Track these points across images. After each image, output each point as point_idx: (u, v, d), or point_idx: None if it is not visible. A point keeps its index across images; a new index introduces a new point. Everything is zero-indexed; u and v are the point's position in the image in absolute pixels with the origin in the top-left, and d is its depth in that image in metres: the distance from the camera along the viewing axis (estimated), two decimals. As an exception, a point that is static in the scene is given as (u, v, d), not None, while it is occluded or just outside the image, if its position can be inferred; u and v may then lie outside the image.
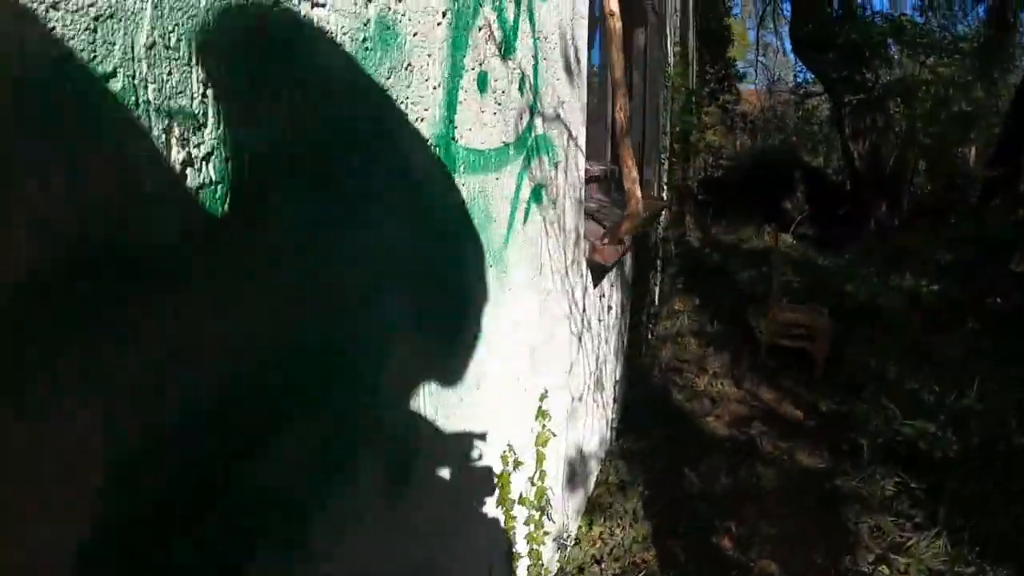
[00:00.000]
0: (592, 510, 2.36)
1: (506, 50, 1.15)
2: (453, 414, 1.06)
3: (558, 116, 1.56)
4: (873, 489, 2.45)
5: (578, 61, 1.77)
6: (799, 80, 10.97)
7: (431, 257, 0.98)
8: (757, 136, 12.40)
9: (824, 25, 7.89)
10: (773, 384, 3.61)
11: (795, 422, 3.17)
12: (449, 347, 1.06)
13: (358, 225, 0.79)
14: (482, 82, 1.06)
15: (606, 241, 2.11)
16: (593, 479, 2.49)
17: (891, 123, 8.17)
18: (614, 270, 2.62)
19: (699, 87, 7.59)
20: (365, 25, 0.77)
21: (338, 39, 0.72)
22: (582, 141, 1.90)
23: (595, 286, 2.23)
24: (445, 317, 1.04)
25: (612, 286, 2.64)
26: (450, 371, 1.05)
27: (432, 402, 0.99)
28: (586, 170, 2.61)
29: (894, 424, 2.80)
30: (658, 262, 4.47)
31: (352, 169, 0.77)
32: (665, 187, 4.72)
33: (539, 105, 1.37)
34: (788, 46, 9.72)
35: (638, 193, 2.06)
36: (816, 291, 4.85)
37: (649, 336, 4.09)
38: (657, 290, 4.61)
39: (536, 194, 1.37)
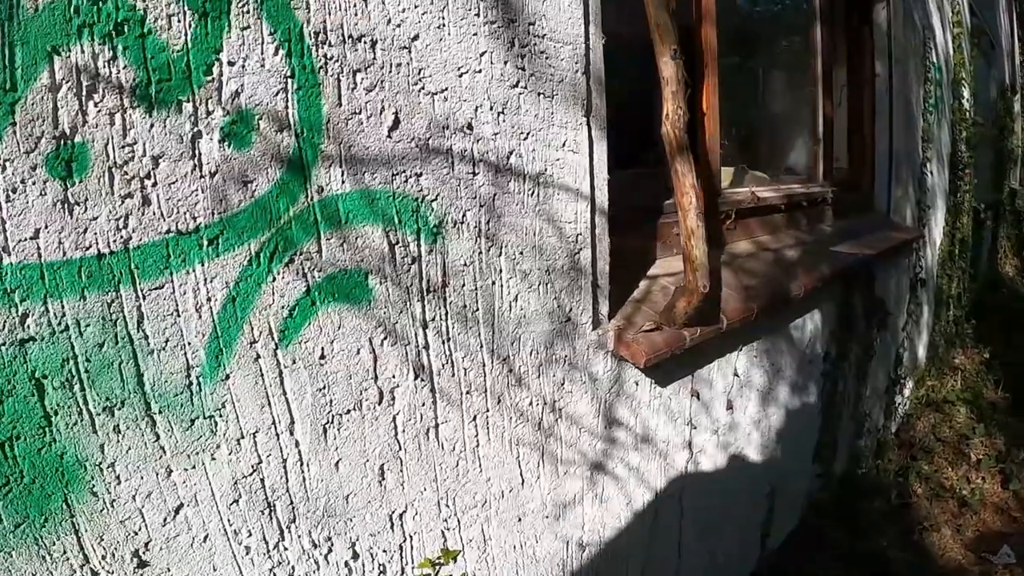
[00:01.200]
0: None
1: (164, 91, 0.72)
2: None
3: (442, 151, 1.01)
4: None
5: (542, 45, 1.09)
6: None
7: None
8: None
9: None
10: (1058, 488, 2.60)
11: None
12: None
13: None
14: (73, 160, 0.67)
15: (647, 327, 1.34)
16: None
17: None
18: (760, 342, 1.91)
19: (1025, 83, 6.12)
20: None
21: None
22: (571, 176, 1.21)
23: (664, 385, 1.56)
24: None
25: (741, 372, 1.86)
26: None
27: None
28: (762, 197, 2.11)
29: None
30: (920, 306, 3.51)
31: None
32: (931, 208, 3.69)
33: (332, 147, 0.88)
34: None
35: (698, 253, 1.27)
36: None
37: (895, 404, 3.26)
38: (920, 341, 3.64)
39: (336, 289, 0.93)
